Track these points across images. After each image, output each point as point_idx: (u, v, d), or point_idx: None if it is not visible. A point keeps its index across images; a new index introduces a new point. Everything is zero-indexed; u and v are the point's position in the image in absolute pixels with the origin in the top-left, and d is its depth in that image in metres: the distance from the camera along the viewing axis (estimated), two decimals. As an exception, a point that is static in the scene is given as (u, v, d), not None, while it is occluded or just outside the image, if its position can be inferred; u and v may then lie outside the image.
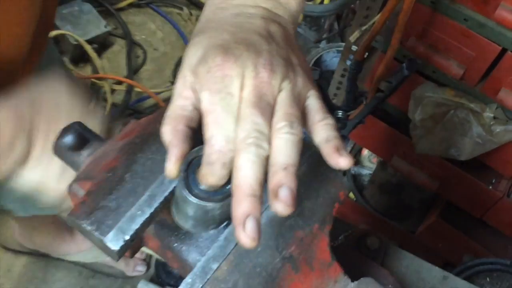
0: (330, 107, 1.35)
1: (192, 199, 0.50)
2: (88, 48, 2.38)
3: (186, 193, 0.50)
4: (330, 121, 0.54)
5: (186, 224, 0.53)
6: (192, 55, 0.53)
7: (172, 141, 0.51)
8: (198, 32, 0.56)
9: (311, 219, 0.60)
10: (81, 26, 2.40)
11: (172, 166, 0.50)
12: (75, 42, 2.34)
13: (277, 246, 0.58)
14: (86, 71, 2.43)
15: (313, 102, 0.54)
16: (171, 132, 0.51)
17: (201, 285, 0.54)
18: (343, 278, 0.61)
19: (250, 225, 0.46)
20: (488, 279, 1.16)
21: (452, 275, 0.81)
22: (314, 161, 0.62)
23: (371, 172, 2.06)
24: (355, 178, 2.08)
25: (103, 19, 2.46)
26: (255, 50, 0.51)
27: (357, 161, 2.14)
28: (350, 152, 2.14)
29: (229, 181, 0.49)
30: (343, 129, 1.37)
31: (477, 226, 1.71)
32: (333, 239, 0.70)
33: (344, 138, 1.40)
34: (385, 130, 1.65)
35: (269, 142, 0.49)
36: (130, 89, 2.34)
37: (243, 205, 0.46)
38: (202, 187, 0.50)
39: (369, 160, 2.11)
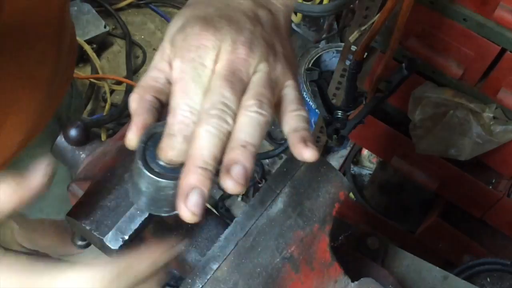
0: (329, 107, 1.35)
1: (146, 172, 0.47)
2: (88, 48, 2.38)
3: (141, 165, 0.47)
4: (302, 112, 0.52)
5: (139, 201, 0.50)
6: (172, 26, 0.52)
7: (137, 109, 0.49)
8: (184, 7, 0.54)
9: (311, 219, 0.60)
10: (80, 26, 2.40)
11: (132, 135, 0.48)
12: (74, 43, 2.33)
13: (277, 246, 0.58)
14: (86, 71, 2.43)
15: (290, 92, 0.52)
16: (137, 101, 0.49)
17: (201, 285, 0.54)
18: (343, 278, 0.61)
19: (193, 198, 0.43)
20: (488, 279, 1.16)
21: (452, 275, 0.81)
22: (314, 161, 0.62)
23: (371, 172, 2.06)
24: (355, 178, 2.08)
25: (103, 19, 2.46)
26: (237, 27, 0.50)
27: (357, 161, 2.14)
28: (350, 152, 2.14)
29: None
30: (342, 129, 1.37)
31: (477, 226, 1.71)
32: (333, 239, 0.70)
33: (343, 138, 1.40)
34: (385, 130, 1.65)
35: (235, 119, 0.47)
36: (129, 89, 2.34)
37: (190, 176, 0.44)
38: (161, 162, 0.48)
39: (369, 160, 2.11)
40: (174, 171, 0.47)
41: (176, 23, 0.52)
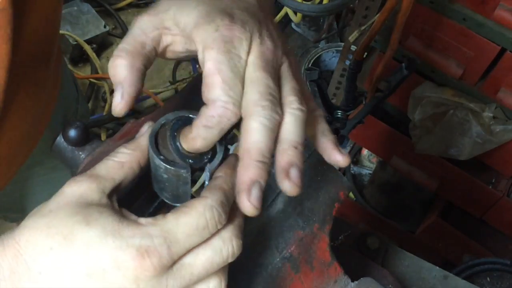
0: (329, 107, 1.35)
1: (149, 146, 0.48)
2: (87, 48, 2.38)
3: (149, 136, 0.48)
4: (322, 112, 0.53)
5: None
6: (186, 14, 0.49)
7: (128, 77, 0.48)
8: None
9: (311, 219, 0.60)
10: (80, 26, 2.40)
11: (124, 105, 0.47)
12: (74, 42, 2.33)
13: (277, 246, 0.58)
14: (86, 71, 2.43)
15: (306, 89, 0.53)
16: (128, 69, 0.48)
17: (201, 285, 0.54)
18: (343, 278, 0.61)
19: (255, 193, 0.44)
20: (488, 278, 1.16)
21: (452, 275, 0.81)
22: (314, 161, 0.62)
23: (371, 172, 2.06)
24: (355, 178, 2.08)
25: (102, 19, 2.46)
26: (259, 20, 0.50)
27: (357, 161, 2.14)
28: (350, 152, 2.14)
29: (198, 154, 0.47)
30: (342, 129, 1.37)
31: (477, 225, 1.71)
32: (333, 239, 0.69)
33: (343, 138, 1.40)
34: (385, 130, 1.65)
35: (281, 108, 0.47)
36: (129, 89, 2.34)
37: (250, 170, 0.44)
38: (178, 144, 0.47)
39: (369, 160, 2.11)
40: (183, 156, 0.47)
41: (194, 7, 0.50)
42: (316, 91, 1.27)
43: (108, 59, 2.52)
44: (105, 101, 2.34)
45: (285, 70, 0.50)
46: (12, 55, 0.62)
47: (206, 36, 0.47)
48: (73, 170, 0.65)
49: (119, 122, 2.26)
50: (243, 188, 0.44)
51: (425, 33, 1.37)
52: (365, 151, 2.11)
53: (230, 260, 0.46)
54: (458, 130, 1.42)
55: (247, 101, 0.46)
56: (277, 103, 0.47)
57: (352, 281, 0.61)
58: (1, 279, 0.41)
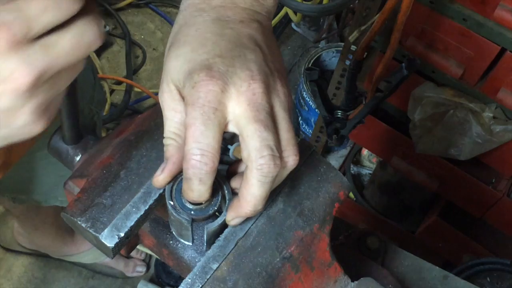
0: (329, 107, 1.34)
1: (167, 198, 0.54)
2: (87, 48, 2.38)
3: (167, 191, 0.54)
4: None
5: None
6: (175, 70, 0.52)
7: (174, 157, 0.53)
8: (177, 41, 0.54)
9: (311, 219, 0.60)
10: (80, 26, 2.40)
11: (164, 178, 0.53)
12: (74, 43, 2.33)
13: (277, 246, 0.58)
14: (85, 71, 2.43)
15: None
16: (176, 150, 0.53)
17: (201, 285, 0.54)
18: (343, 278, 0.61)
19: (236, 221, 0.54)
20: (488, 279, 1.16)
21: (452, 275, 0.81)
22: (314, 161, 0.62)
23: (371, 172, 2.06)
24: (355, 178, 2.08)
25: (102, 19, 2.46)
26: (241, 64, 0.51)
27: (357, 161, 2.14)
28: (350, 152, 2.14)
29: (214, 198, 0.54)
30: (342, 129, 1.37)
31: (477, 225, 1.71)
32: (333, 239, 0.69)
33: (343, 138, 1.40)
34: (385, 130, 1.65)
35: (281, 155, 0.50)
36: (129, 89, 2.34)
37: (242, 212, 0.52)
38: (181, 196, 0.54)
39: (369, 160, 2.11)
40: (185, 208, 0.54)
41: (179, 68, 0.51)
42: (316, 91, 1.26)
43: (108, 59, 2.53)
44: (105, 101, 2.34)
45: (281, 113, 0.51)
46: None
47: (186, 94, 0.50)
48: (69, 168, 0.65)
49: (119, 122, 2.26)
50: (228, 220, 0.54)
51: (425, 33, 1.37)
52: (365, 151, 2.11)
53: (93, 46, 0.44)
54: (458, 130, 1.42)
55: (247, 154, 0.49)
56: (275, 155, 0.49)
57: (352, 281, 0.61)
58: None
